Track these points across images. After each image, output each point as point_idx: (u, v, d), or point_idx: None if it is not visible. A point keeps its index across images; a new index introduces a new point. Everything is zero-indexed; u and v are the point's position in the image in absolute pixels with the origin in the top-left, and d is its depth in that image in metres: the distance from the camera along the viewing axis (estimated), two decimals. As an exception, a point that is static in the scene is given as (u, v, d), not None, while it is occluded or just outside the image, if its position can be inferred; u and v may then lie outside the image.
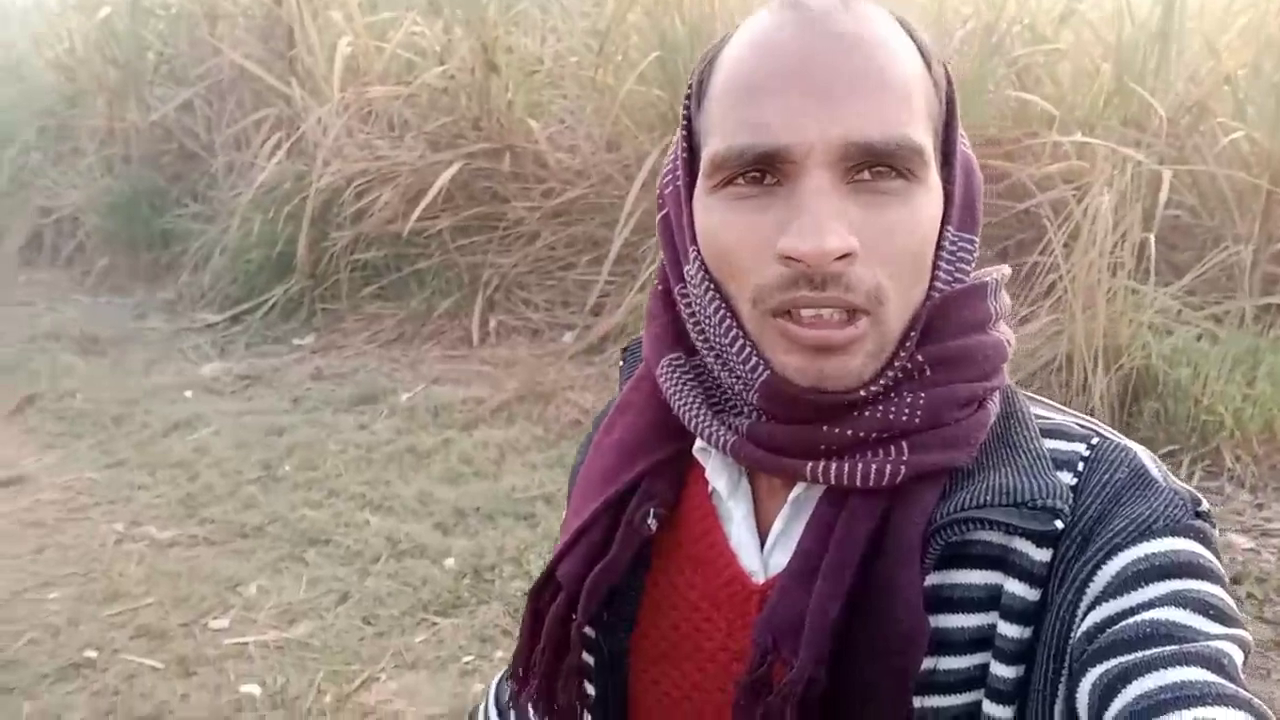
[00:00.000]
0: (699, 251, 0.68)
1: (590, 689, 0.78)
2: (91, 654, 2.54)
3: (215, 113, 6.03)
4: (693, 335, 0.72)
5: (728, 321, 0.67)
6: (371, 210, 4.93)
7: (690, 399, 0.72)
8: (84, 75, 6.42)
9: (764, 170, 0.64)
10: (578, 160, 4.88)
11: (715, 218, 0.66)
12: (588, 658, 0.77)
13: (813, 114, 0.62)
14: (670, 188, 0.73)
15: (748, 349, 0.67)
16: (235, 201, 5.35)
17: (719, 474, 0.74)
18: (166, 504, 3.36)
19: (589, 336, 4.42)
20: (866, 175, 0.63)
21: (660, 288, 0.76)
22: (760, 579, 0.72)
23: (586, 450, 0.84)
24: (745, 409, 0.70)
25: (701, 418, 0.71)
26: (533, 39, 5.31)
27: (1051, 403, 0.75)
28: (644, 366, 0.78)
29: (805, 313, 0.64)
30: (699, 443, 0.75)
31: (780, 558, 0.71)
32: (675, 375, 0.73)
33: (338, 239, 5.02)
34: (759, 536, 0.73)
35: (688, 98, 0.71)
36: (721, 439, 0.69)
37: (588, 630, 0.76)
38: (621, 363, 0.88)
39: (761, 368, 0.66)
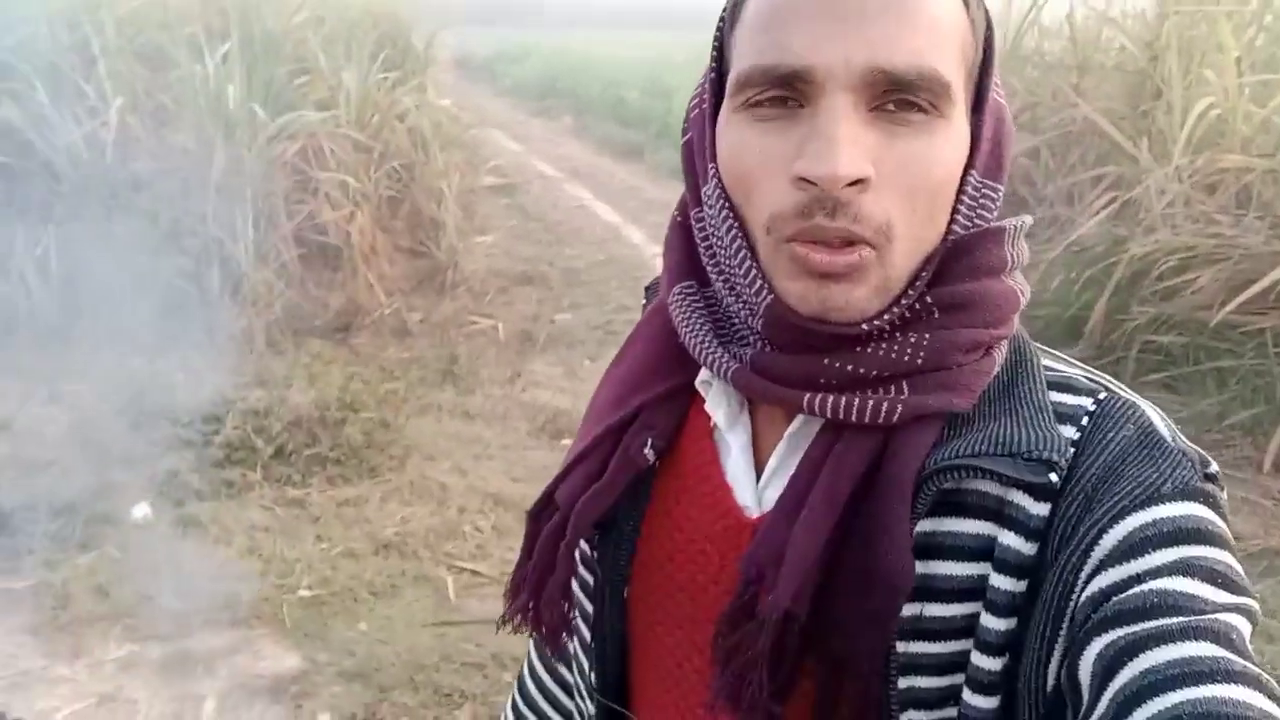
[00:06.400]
0: (718, 170, 0.67)
1: (589, 605, 0.78)
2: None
3: (1058, 164, 5.90)
4: (705, 261, 0.71)
5: (739, 242, 0.66)
6: (1185, 290, 4.37)
7: (697, 326, 0.71)
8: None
9: (787, 93, 0.63)
10: None
11: (735, 136, 0.66)
12: (588, 575, 0.78)
13: (838, 37, 0.61)
14: (695, 111, 0.72)
15: (754, 272, 0.66)
16: (1042, 256, 5.18)
17: (718, 405, 0.73)
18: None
19: None
20: (890, 106, 0.62)
21: (678, 218, 0.75)
22: (754, 513, 0.71)
23: None
24: (751, 339, 0.69)
25: (707, 344, 0.70)
26: None
27: (1063, 356, 0.73)
28: (657, 300, 0.78)
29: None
30: (702, 374, 0.74)
31: (774, 493, 0.69)
32: (685, 303, 0.72)
33: (1140, 314, 4.55)
34: (756, 471, 0.72)
35: (721, 22, 0.70)
36: (723, 365, 0.69)
37: (585, 548, 0.77)
38: (644, 301, 0.88)
39: (766, 291, 0.65)
